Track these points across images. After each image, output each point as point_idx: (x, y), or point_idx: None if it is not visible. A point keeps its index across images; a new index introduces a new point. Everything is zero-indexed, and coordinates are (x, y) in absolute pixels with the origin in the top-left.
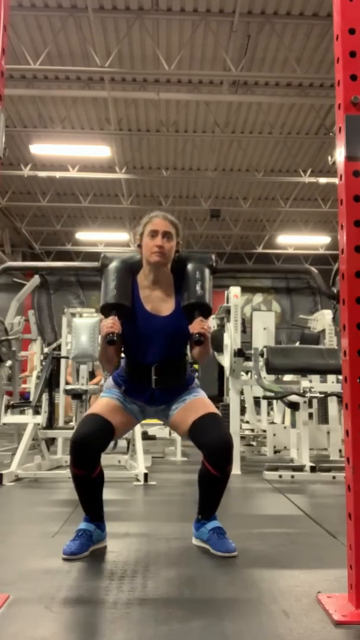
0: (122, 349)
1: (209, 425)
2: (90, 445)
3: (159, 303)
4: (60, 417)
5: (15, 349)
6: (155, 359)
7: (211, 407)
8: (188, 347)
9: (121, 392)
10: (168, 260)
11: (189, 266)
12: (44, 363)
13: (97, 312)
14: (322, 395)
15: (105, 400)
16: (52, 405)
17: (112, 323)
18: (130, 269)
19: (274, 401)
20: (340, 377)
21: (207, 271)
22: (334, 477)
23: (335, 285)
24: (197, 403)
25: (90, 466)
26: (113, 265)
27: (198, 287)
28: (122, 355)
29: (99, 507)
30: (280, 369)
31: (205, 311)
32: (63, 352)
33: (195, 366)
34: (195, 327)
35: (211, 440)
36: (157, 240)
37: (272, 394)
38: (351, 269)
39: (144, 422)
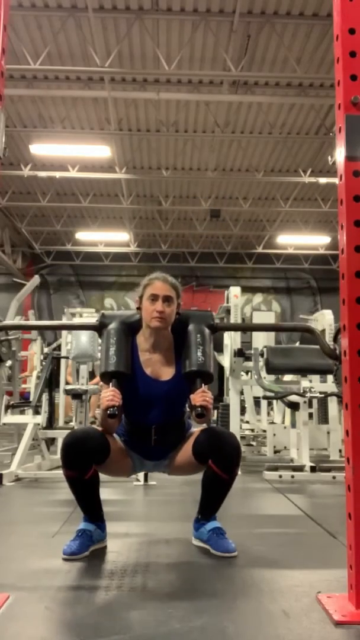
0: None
1: (213, 433)
2: (81, 447)
3: (159, 367)
4: (60, 417)
5: (15, 349)
6: (155, 420)
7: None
8: (187, 406)
9: (121, 440)
10: (168, 324)
11: (190, 328)
12: (44, 363)
13: (97, 312)
14: (322, 395)
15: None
16: (52, 405)
17: (112, 395)
18: (130, 329)
19: (274, 401)
20: None
21: (207, 333)
22: (334, 477)
23: (337, 343)
24: (192, 437)
25: (81, 468)
26: (112, 327)
27: (199, 354)
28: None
29: (97, 507)
30: (280, 369)
31: (207, 379)
32: (63, 352)
33: None
34: (197, 399)
35: (220, 444)
36: (158, 305)
37: (272, 394)
38: (351, 269)
39: None
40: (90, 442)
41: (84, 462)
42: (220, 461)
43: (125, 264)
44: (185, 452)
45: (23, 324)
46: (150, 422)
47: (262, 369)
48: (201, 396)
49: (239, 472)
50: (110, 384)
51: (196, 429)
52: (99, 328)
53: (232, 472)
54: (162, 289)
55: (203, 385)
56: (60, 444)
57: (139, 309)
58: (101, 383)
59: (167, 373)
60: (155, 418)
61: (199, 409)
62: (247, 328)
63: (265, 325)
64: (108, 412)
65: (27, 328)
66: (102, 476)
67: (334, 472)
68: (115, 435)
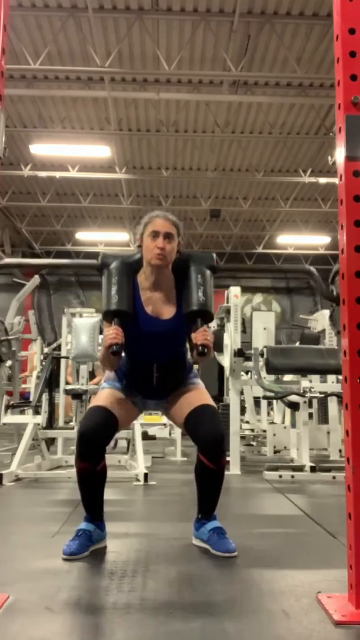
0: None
1: (201, 418)
2: (97, 438)
3: (160, 305)
4: (60, 417)
5: (15, 349)
6: (157, 358)
7: (205, 398)
8: (188, 346)
9: (122, 385)
10: (169, 261)
11: (191, 268)
12: (44, 363)
13: (97, 312)
14: (322, 395)
15: (108, 391)
16: (52, 405)
17: (115, 334)
18: (130, 269)
19: (274, 401)
20: (340, 377)
21: (208, 274)
22: (334, 477)
23: (334, 285)
24: (191, 395)
25: (96, 459)
26: (113, 266)
27: (200, 294)
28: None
29: (100, 504)
30: (280, 369)
31: (208, 318)
32: (63, 352)
33: (195, 366)
34: (198, 337)
35: (203, 432)
36: (159, 242)
37: (272, 394)
38: (351, 269)
39: (144, 422)
40: (104, 434)
41: (98, 453)
42: (205, 451)
43: None
44: (180, 412)
45: (25, 261)
46: (151, 360)
47: (262, 369)
48: (202, 335)
49: (239, 473)
50: (113, 322)
51: (195, 385)
52: (100, 267)
53: (217, 461)
54: (163, 225)
55: (204, 324)
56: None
57: (139, 247)
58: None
59: (168, 312)
60: (157, 356)
61: (200, 347)
62: (247, 269)
63: (266, 268)
64: (111, 349)
65: (29, 265)
66: None
67: (334, 472)
68: (115, 382)
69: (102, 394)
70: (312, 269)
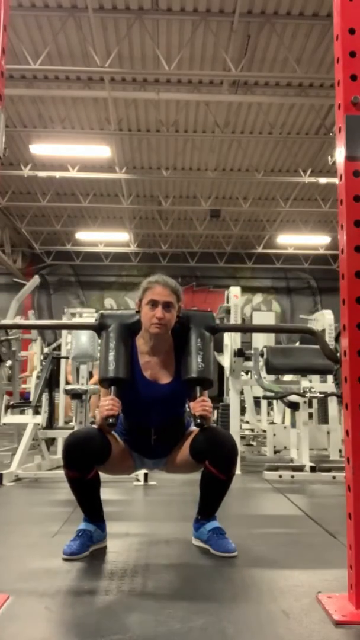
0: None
1: (210, 433)
2: (83, 449)
3: (159, 370)
4: (60, 417)
5: (15, 349)
6: (155, 421)
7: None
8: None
9: (121, 439)
10: (168, 330)
11: (191, 331)
12: (44, 363)
13: (97, 312)
14: (322, 395)
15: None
16: (52, 405)
17: (111, 405)
18: (129, 331)
19: (274, 401)
20: None
21: (208, 336)
22: (334, 477)
23: (338, 344)
24: (189, 435)
25: (83, 468)
26: (112, 328)
27: (199, 359)
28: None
29: (97, 508)
30: (280, 369)
31: (207, 386)
32: (63, 352)
33: None
34: (197, 408)
35: (217, 445)
36: (157, 312)
37: (272, 394)
38: (351, 269)
39: None
40: (92, 443)
41: (85, 463)
42: (217, 462)
43: (125, 264)
44: (184, 451)
45: (22, 323)
46: (149, 423)
47: (262, 369)
48: (201, 406)
49: (239, 473)
50: (110, 390)
51: (195, 427)
52: (99, 329)
53: (229, 472)
54: (162, 294)
55: (203, 392)
56: (62, 444)
57: (138, 312)
58: (100, 387)
59: (166, 376)
60: (155, 419)
61: (199, 419)
62: (247, 329)
63: (266, 327)
64: (107, 421)
65: (27, 327)
66: (103, 476)
67: (334, 472)
68: (115, 433)
69: (104, 428)
70: (314, 329)
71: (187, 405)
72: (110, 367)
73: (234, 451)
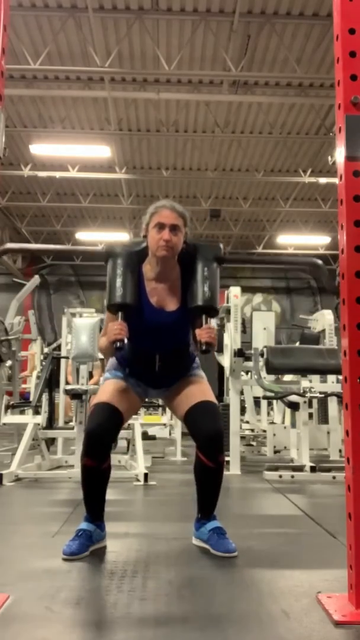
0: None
1: (201, 415)
2: (105, 437)
3: (165, 297)
4: (60, 417)
5: (15, 349)
6: (160, 348)
7: (206, 394)
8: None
9: (125, 374)
10: (175, 253)
11: (197, 260)
12: (44, 363)
13: (97, 312)
14: (322, 395)
15: (111, 384)
16: (52, 405)
17: (119, 329)
18: (136, 258)
19: (274, 401)
20: (340, 377)
21: (214, 266)
22: (334, 477)
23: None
24: (193, 389)
25: (102, 457)
26: (119, 256)
27: (206, 288)
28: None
29: (102, 504)
30: (280, 369)
31: (213, 314)
32: (63, 352)
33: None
34: (203, 335)
35: (202, 429)
36: (164, 234)
37: (272, 394)
38: (351, 269)
39: (144, 422)
40: (110, 432)
41: (105, 450)
42: (203, 448)
43: None
44: (180, 406)
45: (27, 246)
46: (154, 349)
47: (262, 369)
48: (207, 332)
49: (239, 473)
50: (118, 316)
51: (197, 377)
52: (106, 256)
53: (215, 459)
54: (169, 217)
55: (209, 320)
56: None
57: (145, 237)
58: (107, 313)
59: (172, 304)
60: (160, 346)
61: (204, 345)
62: (254, 261)
63: (272, 259)
64: (114, 345)
65: (32, 250)
66: None
67: (334, 472)
68: (118, 372)
69: (106, 387)
70: (319, 261)
71: (191, 337)
72: (118, 293)
73: (217, 438)
